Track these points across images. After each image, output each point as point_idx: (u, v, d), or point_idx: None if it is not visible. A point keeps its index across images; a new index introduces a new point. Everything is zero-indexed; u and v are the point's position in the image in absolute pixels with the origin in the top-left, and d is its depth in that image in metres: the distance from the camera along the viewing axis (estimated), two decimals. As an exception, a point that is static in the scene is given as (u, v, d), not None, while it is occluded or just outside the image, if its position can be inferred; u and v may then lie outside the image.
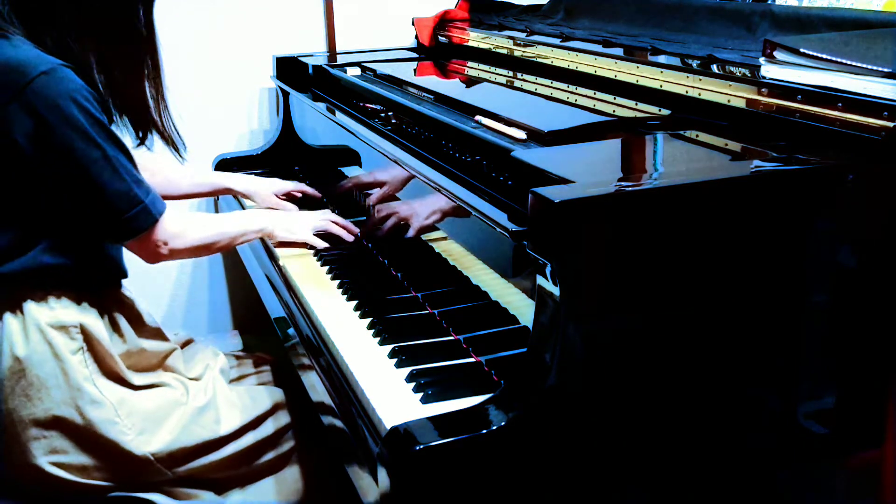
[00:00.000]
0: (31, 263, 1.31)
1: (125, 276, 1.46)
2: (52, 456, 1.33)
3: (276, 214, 1.70)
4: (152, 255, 1.40)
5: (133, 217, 1.32)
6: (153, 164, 1.69)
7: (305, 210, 1.81)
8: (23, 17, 1.29)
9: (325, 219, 1.71)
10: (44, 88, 1.23)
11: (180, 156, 1.49)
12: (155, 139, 1.44)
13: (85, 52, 1.31)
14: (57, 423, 1.32)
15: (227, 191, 1.95)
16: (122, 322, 1.41)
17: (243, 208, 2.04)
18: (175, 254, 1.42)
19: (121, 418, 1.34)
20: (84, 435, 1.33)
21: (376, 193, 1.75)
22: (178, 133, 1.47)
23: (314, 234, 1.69)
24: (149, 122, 1.41)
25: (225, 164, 2.36)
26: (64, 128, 1.25)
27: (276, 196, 1.92)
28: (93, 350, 1.35)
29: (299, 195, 1.95)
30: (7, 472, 1.36)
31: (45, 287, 1.33)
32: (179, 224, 1.41)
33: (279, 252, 1.74)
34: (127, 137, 1.40)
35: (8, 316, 1.32)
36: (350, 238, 1.70)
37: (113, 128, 1.34)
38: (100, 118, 1.28)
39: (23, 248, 1.31)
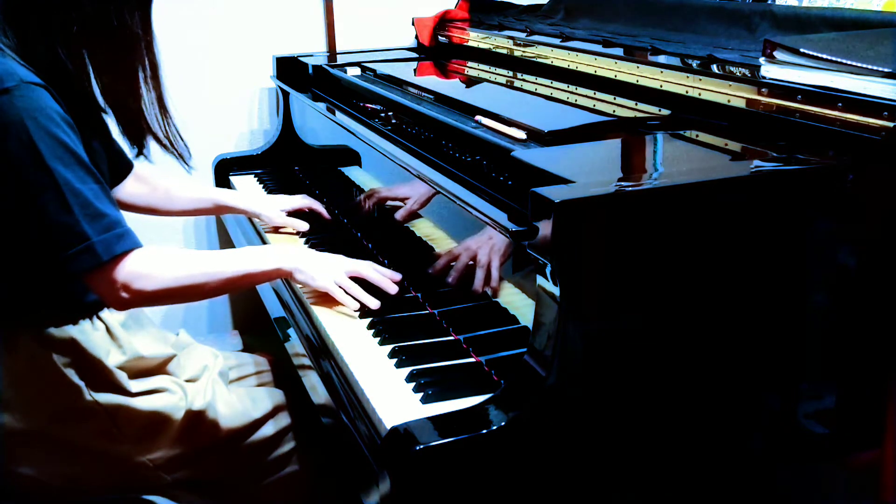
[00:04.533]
0: (18, 293, 1.30)
1: (100, 308, 1.36)
2: (48, 466, 1.33)
3: (301, 253, 1.43)
4: (112, 299, 1.24)
5: (73, 256, 1.19)
6: (154, 177, 1.66)
7: (317, 227, 1.71)
8: (15, 25, 1.24)
9: (362, 265, 1.43)
10: (2, 106, 1.16)
11: (185, 163, 1.40)
12: (154, 148, 1.36)
13: (78, 59, 1.25)
14: (52, 437, 1.32)
15: (229, 209, 1.83)
16: (120, 332, 1.39)
17: (252, 225, 1.94)
18: (143, 299, 1.25)
19: (117, 428, 1.34)
20: (80, 447, 1.33)
21: (400, 209, 1.62)
22: (182, 139, 1.37)
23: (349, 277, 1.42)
24: (145, 130, 1.33)
25: (225, 164, 2.36)
26: (15, 148, 1.16)
27: (286, 213, 1.83)
28: (87, 364, 1.33)
29: (307, 211, 1.87)
30: (3, 480, 1.35)
31: (37, 309, 1.30)
32: (148, 264, 1.24)
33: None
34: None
35: (1, 330, 1.31)
36: (394, 290, 1.42)
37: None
38: (64, 140, 1.18)
39: (9, 279, 1.29)
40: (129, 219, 1.29)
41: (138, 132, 1.33)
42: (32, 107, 1.17)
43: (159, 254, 1.27)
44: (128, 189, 1.62)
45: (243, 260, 1.37)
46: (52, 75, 1.22)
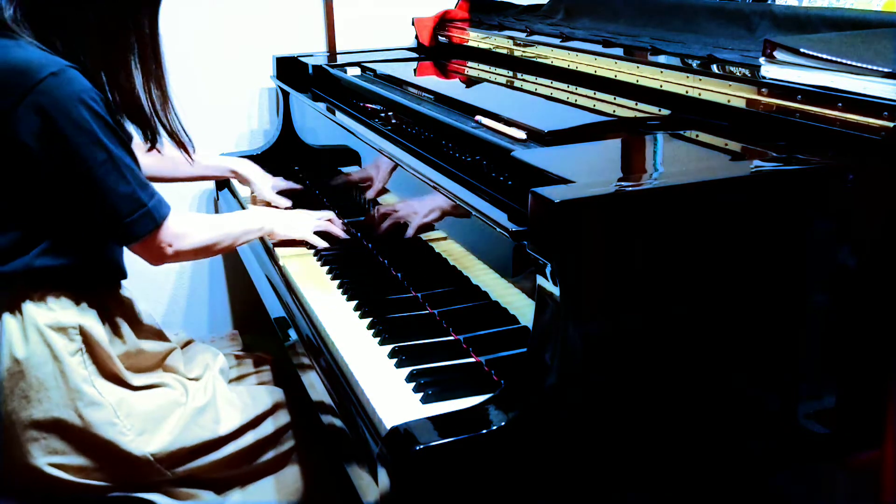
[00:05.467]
0: (30, 264, 1.31)
1: (124, 276, 1.45)
2: (50, 457, 1.33)
3: (277, 213, 1.71)
4: (157, 256, 1.39)
5: (135, 221, 1.32)
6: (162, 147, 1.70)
7: (301, 207, 1.82)
8: (32, 20, 1.30)
9: (324, 218, 1.73)
10: (53, 89, 1.24)
11: (189, 157, 1.48)
12: (164, 140, 1.44)
13: (92, 54, 1.31)
14: (56, 425, 1.32)
15: (232, 172, 1.99)
16: (122, 323, 1.41)
17: (242, 207, 2.04)
18: (179, 255, 1.42)
19: (120, 419, 1.34)
20: (83, 436, 1.33)
21: (373, 190, 1.76)
22: (185, 133, 1.46)
23: (314, 234, 1.71)
24: (155, 124, 1.40)
25: (225, 164, 2.36)
26: (71, 129, 1.25)
27: (273, 192, 1.96)
28: (92, 351, 1.35)
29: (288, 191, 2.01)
30: (6, 472, 1.35)
31: (44, 288, 1.33)
32: (183, 225, 1.41)
33: (279, 252, 1.74)
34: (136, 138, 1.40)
35: (7, 317, 1.32)
36: (345, 237, 1.72)
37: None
38: (107, 119, 1.29)
39: (22, 249, 1.31)
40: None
41: (150, 126, 1.40)
42: (80, 88, 1.26)
43: (186, 216, 1.46)
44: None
45: (242, 222, 1.59)
46: None
